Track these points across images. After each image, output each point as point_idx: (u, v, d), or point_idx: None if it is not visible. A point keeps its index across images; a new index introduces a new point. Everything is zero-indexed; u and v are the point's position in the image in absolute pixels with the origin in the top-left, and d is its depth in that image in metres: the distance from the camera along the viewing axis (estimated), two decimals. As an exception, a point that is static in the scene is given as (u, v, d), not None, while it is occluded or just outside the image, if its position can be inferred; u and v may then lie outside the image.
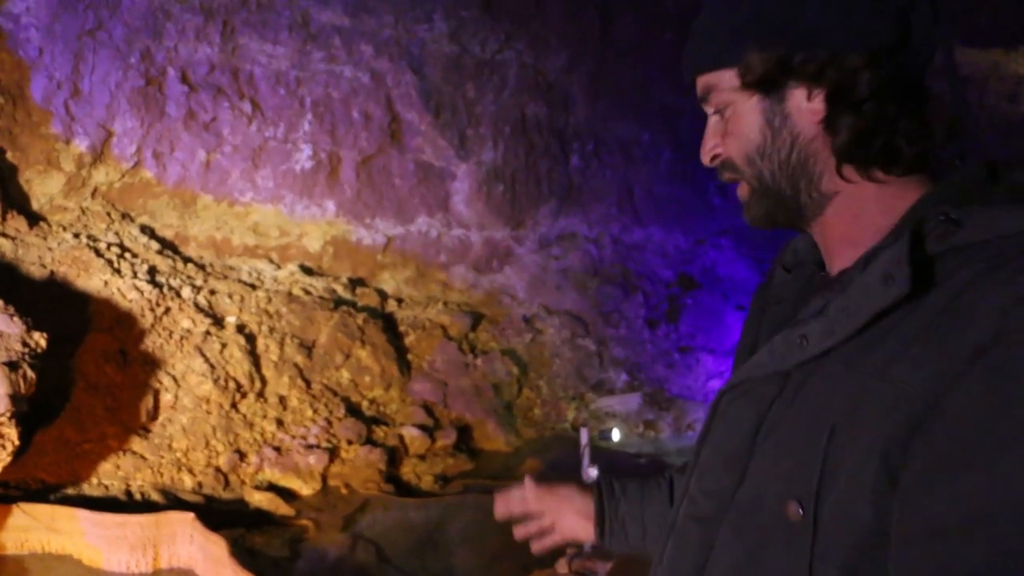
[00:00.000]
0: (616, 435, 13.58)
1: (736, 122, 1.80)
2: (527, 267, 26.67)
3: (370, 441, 19.82)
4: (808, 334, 1.65)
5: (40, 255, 18.18)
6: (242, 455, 17.84)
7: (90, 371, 17.15)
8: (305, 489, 17.88)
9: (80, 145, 19.75)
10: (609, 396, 25.77)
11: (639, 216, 27.64)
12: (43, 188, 19.78)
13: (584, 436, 11.87)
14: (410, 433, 21.14)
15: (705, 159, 1.91)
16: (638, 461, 21.01)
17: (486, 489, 18.87)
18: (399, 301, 24.69)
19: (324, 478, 18.38)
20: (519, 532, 2.91)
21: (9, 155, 19.22)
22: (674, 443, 23.47)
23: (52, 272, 17.80)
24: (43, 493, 15.49)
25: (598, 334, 26.48)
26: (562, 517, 2.88)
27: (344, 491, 18.18)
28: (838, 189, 1.74)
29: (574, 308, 26.57)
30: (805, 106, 1.73)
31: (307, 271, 23.66)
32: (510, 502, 2.87)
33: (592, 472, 11.43)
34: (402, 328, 24.01)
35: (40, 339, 13.45)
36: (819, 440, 1.55)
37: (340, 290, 23.47)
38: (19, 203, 19.25)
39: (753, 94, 1.80)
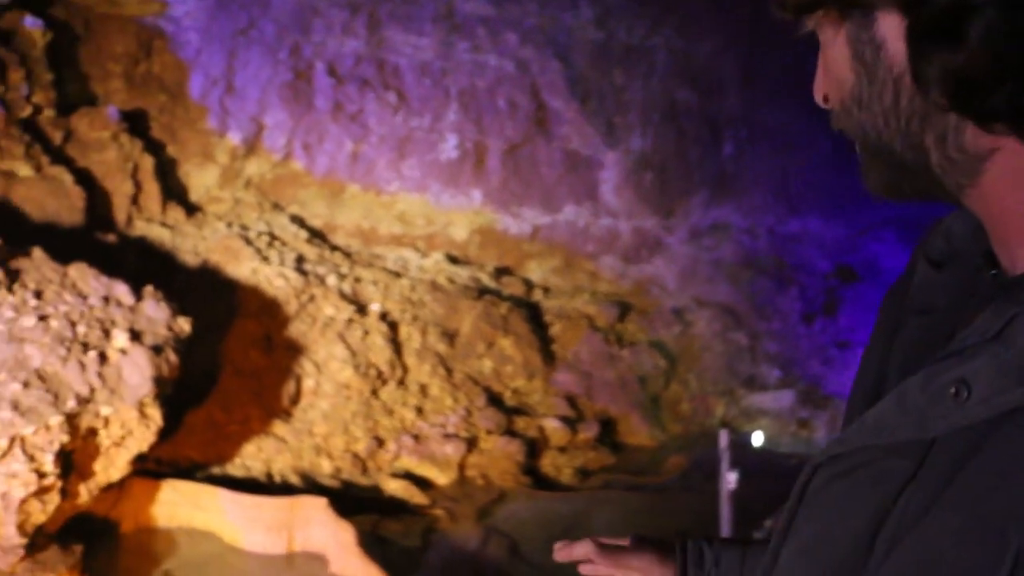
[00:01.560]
0: (758, 439, 12.70)
1: (826, 56, 1.22)
2: (677, 258, 25.91)
3: (510, 432, 19.68)
4: (971, 378, 1.01)
5: (195, 244, 18.92)
6: (380, 442, 18.06)
7: (237, 356, 17.70)
8: (441, 478, 17.93)
9: (233, 138, 20.48)
10: (761, 392, 24.59)
11: (795, 205, 26.35)
12: (200, 180, 20.60)
13: (723, 439, 11.24)
14: (551, 425, 20.88)
15: (818, 100, 1.28)
16: (789, 462, 19.99)
17: (629, 485, 18.44)
18: (545, 290, 24.46)
19: (461, 468, 18.37)
20: (586, 570, 2.30)
21: (169, 149, 20.11)
22: (829, 443, 22.18)
23: (205, 260, 18.46)
24: (191, 471, 16.08)
25: (751, 328, 25.45)
26: None
27: (480, 482, 18.12)
28: (996, 146, 1.06)
29: (726, 300, 25.60)
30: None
31: (452, 260, 23.76)
32: (573, 553, 2.28)
33: (731, 477, 10.77)
34: (547, 318, 23.77)
35: (185, 324, 13.90)
36: (996, 565, 0.94)
37: (485, 279, 23.45)
38: (178, 194, 20.11)
39: (835, 16, 1.13)
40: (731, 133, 25.72)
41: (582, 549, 2.21)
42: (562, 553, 2.26)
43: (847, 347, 24.86)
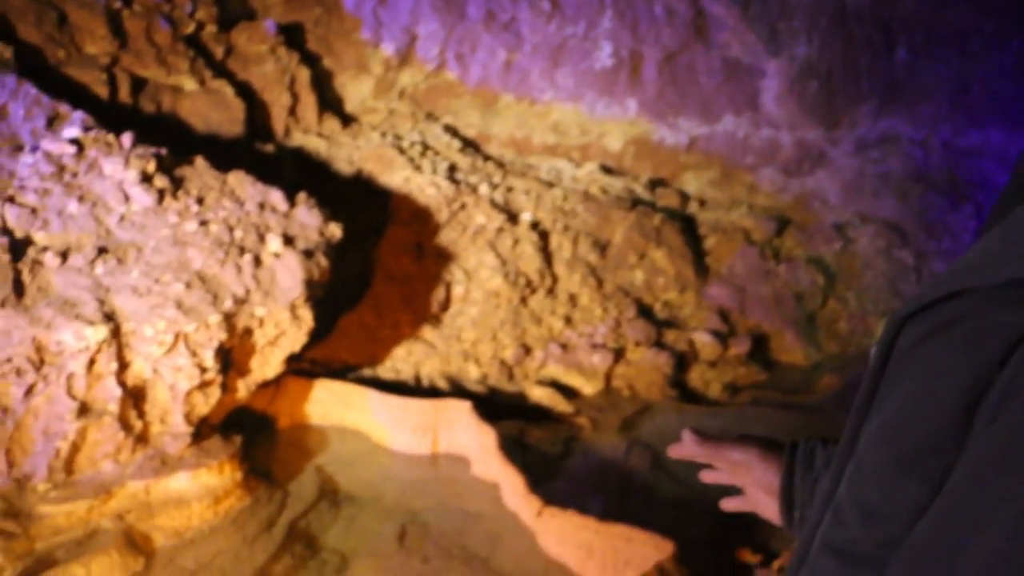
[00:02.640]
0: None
1: None
2: (841, 171, 24.62)
3: (658, 344, 19.49)
4: None
5: (349, 153, 19.35)
6: (528, 350, 18.26)
7: (389, 262, 18.15)
8: (587, 388, 18.01)
9: (387, 49, 20.62)
10: None
11: (976, 116, 24.34)
12: (355, 91, 20.96)
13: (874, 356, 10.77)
14: (702, 339, 20.52)
15: None
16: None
17: (780, 403, 18.00)
18: (700, 203, 23.83)
19: (607, 378, 18.38)
20: (707, 477, 2.19)
21: (325, 61, 20.49)
22: (998, 374, 20.93)
23: (359, 169, 18.88)
24: (343, 373, 16.74)
25: (917, 246, 24.02)
26: (747, 488, 2.04)
27: (627, 393, 18.09)
28: None
29: (892, 217, 24.22)
30: None
31: (606, 170, 23.42)
32: (682, 451, 2.15)
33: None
34: (701, 231, 23.18)
35: (336, 230, 14.28)
36: None
37: (639, 190, 23.03)
38: (333, 105, 20.55)
39: None
40: (905, 37, 23.93)
41: (687, 442, 2.05)
42: (673, 451, 2.12)
43: (1020, 272, 23.18)
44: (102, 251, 12.06)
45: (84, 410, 11.34)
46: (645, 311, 20.31)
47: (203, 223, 13.15)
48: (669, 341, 19.72)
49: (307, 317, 13.59)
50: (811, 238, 23.43)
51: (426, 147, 20.66)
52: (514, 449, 14.21)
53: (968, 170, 24.16)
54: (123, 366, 11.73)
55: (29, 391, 11.01)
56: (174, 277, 12.31)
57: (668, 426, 16.81)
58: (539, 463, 14.40)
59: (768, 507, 1.95)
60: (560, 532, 11.65)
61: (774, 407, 17.49)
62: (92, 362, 11.31)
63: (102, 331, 11.20)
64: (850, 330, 21.77)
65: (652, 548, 10.38)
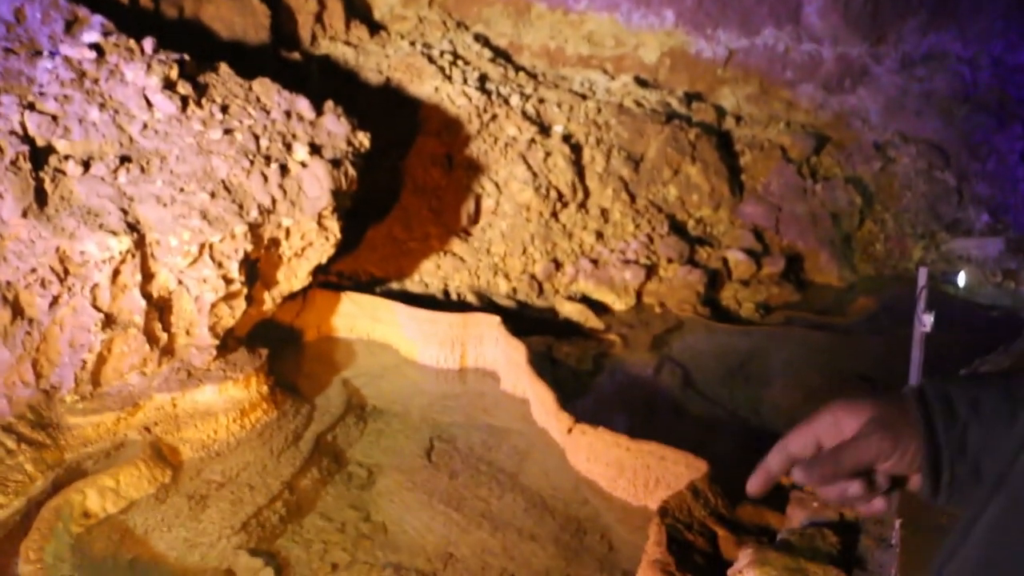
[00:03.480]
0: (963, 279, 11.63)
1: None
2: (884, 88, 23.79)
3: (691, 261, 19.11)
4: None
5: (378, 62, 18.82)
6: (558, 264, 17.94)
7: (418, 174, 17.78)
8: (618, 304, 17.72)
9: (416, -47, 20.04)
10: (965, 238, 22.44)
11: (1030, 32, 23.41)
12: (384, -3, 20.37)
13: (922, 277, 10.29)
14: (735, 257, 20.10)
15: None
16: (989, 314, 18.51)
17: (812, 324, 17.63)
18: (737, 119, 23.17)
19: (639, 295, 18.07)
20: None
21: (353, -35, 19.89)
22: (1037, 299, 20.80)
23: (388, 79, 18.37)
24: (371, 286, 16.52)
25: (960, 168, 23.29)
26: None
27: (658, 310, 17.78)
28: None
29: (934, 137, 23.44)
30: None
31: (641, 83, 22.75)
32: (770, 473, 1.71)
33: (927, 319, 9.91)
34: (737, 147, 22.57)
35: (364, 139, 13.90)
36: None
37: (674, 104, 22.39)
38: (361, 13, 19.94)
39: None
40: (959, -53, 22.88)
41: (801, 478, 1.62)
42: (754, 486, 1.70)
43: (1071, 195, 22.55)
44: (125, 160, 11.78)
45: (109, 321, 11.21)
46: (678, 228, 19.90)
47: (228, 131, 12.81)
48: (702, 259, 19.35)
49: (334, 228, 13.32)
50: (850, 157, 22.81)
51: (456, 56, 20.08)
52: (543, 365, 14.00)
53: (1020, 88, 23.23)
54: (148, 277, 11.55)
55: (54, 302, 10.87)
56: (199, 186, 12.04)
57: (699, 344, 16.55)
58: (568, 379, 14.21)
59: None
60: (590, 449, 11.48)
61: (807, 327, 17.15)
62: (116, 273, 11.14)
63: (126, 241, 11.00)
64: (886, 252, 21.31)
65: (684, 467, 10.19)
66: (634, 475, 10.88)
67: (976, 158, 22.88)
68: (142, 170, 11.82)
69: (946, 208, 22.21)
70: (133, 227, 11.25)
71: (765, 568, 7.19)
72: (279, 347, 14.02)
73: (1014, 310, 18.61)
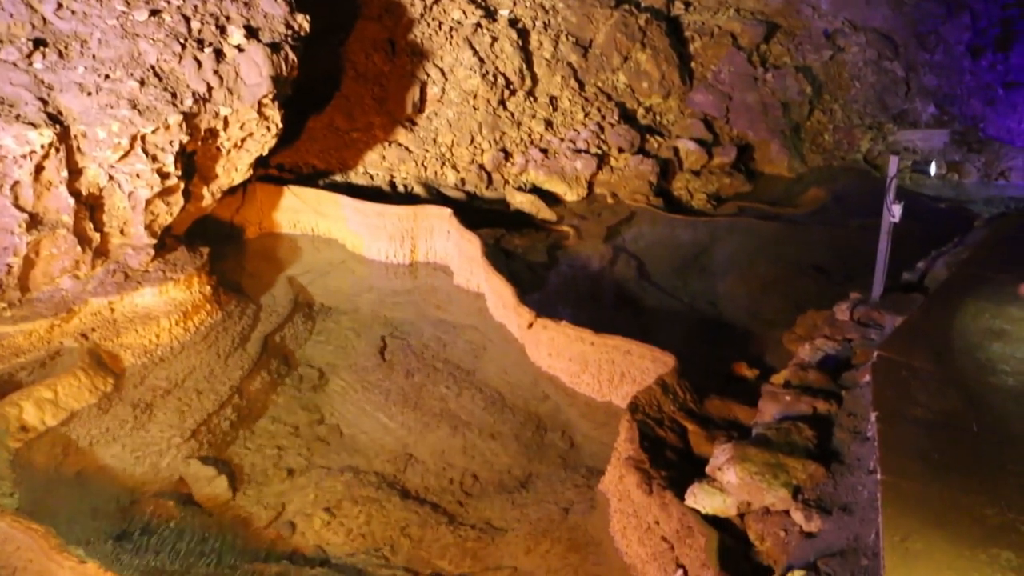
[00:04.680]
0: (934, 168, 11.51)
1: None
2: (834, -25, 23.24)
3: (642, 151, 18.64)
4: None
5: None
6: (507, 154, 17.33)
7: (359, 60, 16.87)
8: (569, 195, 17.25)
9: None
10: (911, 130, 22.07)
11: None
12: None
13: (893, 166, 9.98)
14: (686, 146, 19.69)
15: None
16: (937, 206, 18.49)
17: (763, 215, 17.42)
18: (686, 4, 22.39)
19: (590, 185, 17.60)
20: None
21: None
22: (981, 191, 20.02)
23: (324, -44, 17.25)
24: (314, 178, 15.82)
25: (908, 58, 22.92)
26: None
27: (610, 200, 17.37)
28: None
29: (884, 26, 23.01)
30: None
31: (588, -35, 21.86)
32: None
33: (896, 209, 9.66)
34: (687, 33, 21.87)
35: (303, 21, 13.01)
36: None
37: (622, -13, 21.58)
38: None
39: None
40: None
41: None
42: None
43: (1015, 88, 22.40)
44: (39, 43, 10.79)
45: (35, 222, 10.42)
46: (628, 116, 19.37)
47: (155, 12, 11.82)
48: (653, 148, 18.92)
49: (275, 117, 12.55)
50: (800, 46, 22.35)
51: (395, -67, 18.90)
52: (498, 257, 13.57)
53: (970, -27, 22.85)
54: (75, 173, 10.74)
55: (-30, 201, 10.07)
56: (126, 73, 11.14)
57: (652, 235, 16.27)
58: (523, 272, 13.82)
59: None
60: (552, 344, 11.17)
61: (759, 218, 16.95)
62: (39, 169, 10.30)
63: (48, 134, 10.15)
64: (835, 143, 21.16)
65: (651, 361, 9.93)
66: (598, 370, 10.62)
67: (924, 48, 22.64)
68: (60, 55, 10.86)
69: (894, 99, 22.01)
70: (54, 118, 10.38)
71: (745, 464, 6.99)
72: (219, 245, 13.35)
73: (959, 201, 18.62)
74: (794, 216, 17.39)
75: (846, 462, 7.04)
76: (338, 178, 16.14)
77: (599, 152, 17.87)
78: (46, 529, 7.18)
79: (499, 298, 12.60)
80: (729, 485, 7.06)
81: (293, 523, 8.90)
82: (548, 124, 18.08)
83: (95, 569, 6.76)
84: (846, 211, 17.37)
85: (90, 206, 11.08)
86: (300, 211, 15.05)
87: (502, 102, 17.78)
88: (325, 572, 8.10)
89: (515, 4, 19.00)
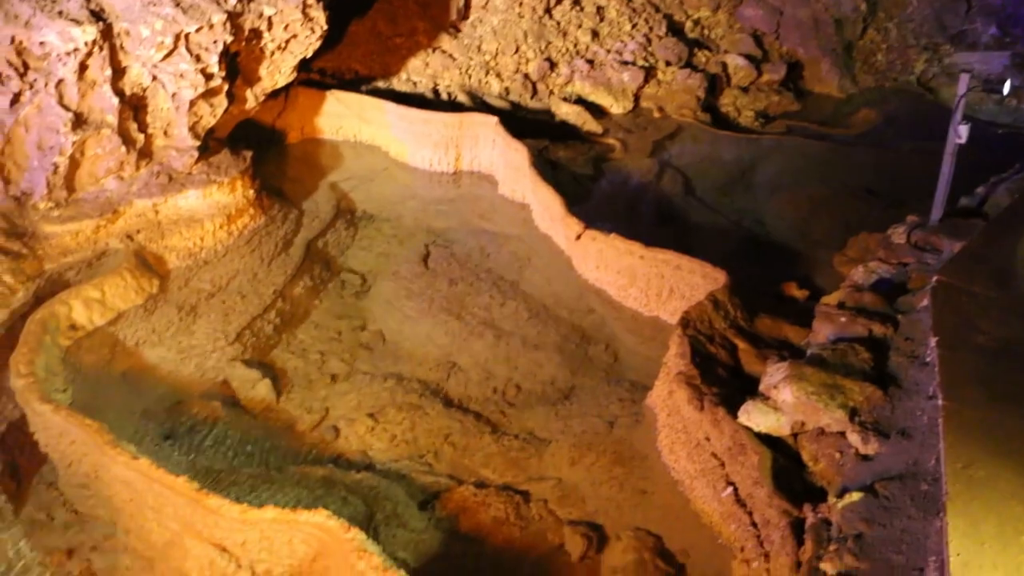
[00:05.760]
0: (1008, 87, 11.13)
1: None
2: None
3: (690, 65, 18.11)
4: None
5: None
6: (552, 64, 16.92)
7: (403, -38, 16.48)
8: (615, 107, 16.85)
9: None
10: (969, 52, 21.33)
11: None
12: None
13: (963, 84, 9.56)
14: (735, 62, 19.09)
15: None
16: (994, 131, 17.76)
17: (812, 134, 16.94)
18: (738, -88, 21.63)
19: (637, 98, 17.18)
20: None
21: None
22: (1041, 117, 20.01)
23: None
24: (356, 84, 15.56)
25: (971, -24, 22.03)
26: None
27: (656, 115, 16.96)
28: None
29: (946, -59, 22.11)
30: None
31: None
32: None
33: (963, 130, 9.30)
34: (736, -59, 21.18)
35: (348, -81, 12.61)
36: None
37: None
38: None
39: None
40: None
41: None
42: None
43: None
44: (83, -64, 10.53)
45: (80, 122, 10.33)
46: (676, 29, 18.79)
47: (198, -94, 11.47)
48: (700, 62, 18.41)
49: (320, 18, 12.28)
50: (855, -42, 21.44)
51: None
52: (544, 168, 13.33)
53: None
54: (118, 72, 10.59)
55: (16, 100, 9.96)
56: (168, -30, 10.87)
57: (698, 151, 15.97)
58: (569, 183, 13.59)
59: None
60: (600, 256, 11.02)
61: (810, 138, 16.51)
62: (83, 67, 10.17)
63: (91, 31, 9.98)
64: (888, 63, 20.34)
65: (701, 277, 9.76)
66: (646, 284, 10.47)
67: (989, -37, 21.64)
68: (104, -50, 10.61)
69: (952, 19, 21.05)
70: (97, 15, 10.19)
71: (802, 384, 6.88)
72: (262, 150, 13.18)
73: (1016, 128, 17.94)
74: (844, 137, 16.93)
75: (904, 386, 6.92)
76: (380, 84, 15.85)
77: (646, 65, 17.42)
78: (99, 425, 7.24)
79: (545, 209, 12.41)
80: (784, 404, 6.97)
81: (337, 428, 8.94)
82: (594, 35, 17.59)
83: (147, 465, 6.81)
84: (898, 134, 16.90)
85: (134, 106, 10.96)
86: (343, 117, 14.82)
87: (548, 10, 17.29)
88: (369, 476, 8.15)
89: (564, -93, 18.33)
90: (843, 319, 8.02)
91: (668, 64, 17.70)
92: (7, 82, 9.88)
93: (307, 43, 12.45)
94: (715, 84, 18.11)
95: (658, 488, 7.75)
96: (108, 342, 9.41)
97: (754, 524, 6.59)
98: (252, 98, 12.61)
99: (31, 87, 10.01)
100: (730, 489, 6.92)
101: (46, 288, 9.54)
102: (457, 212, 13.44)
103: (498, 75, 16.50)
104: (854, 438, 6.49)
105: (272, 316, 10.45)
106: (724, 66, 18.57)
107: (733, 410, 7.27)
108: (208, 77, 11.25)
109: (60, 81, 10.09)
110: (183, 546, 6.69)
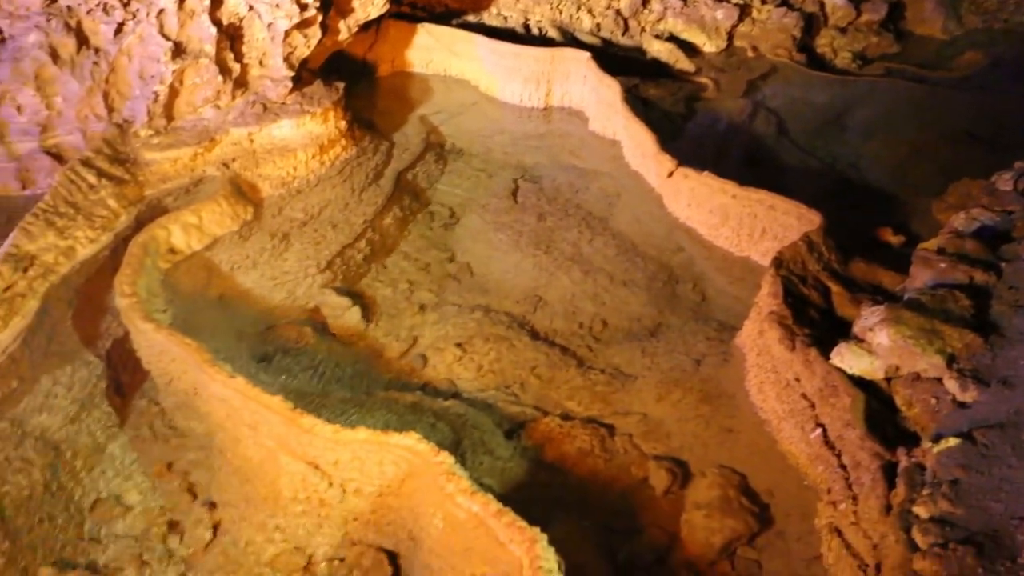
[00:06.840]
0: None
1: None
2: None
3: (786, 3, 17.52)
4: None
5: None
6: (645, 0, 16.58)
7: None
8: (708, 46, 16.46)
9: None
10: None
11: None
12: None
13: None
14: (832, 1, 18.43)
15: None
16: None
17: (914, 77, 16.30)
18: None
19: (730, 37, 16.74)
20: None
21: None
22: None
23: None
24: (446, 17, 15.47)
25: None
26: None
27: (751, 54, 16.53)
28: None
29: None
30: None
31: None
32: None
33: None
34: None
35: None
36: None
37: None
38: None
39: None
40: None
41: None
42: None
43: None
44: None
45: (179, 51, 10.53)
46: (772, -36, 18.16)
47: None
48: (797, 1, 17.79)
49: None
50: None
51: None
52: (636, 105, 13.14)
53: None
54: (216, 2, 10.79)
55: (119, 30, 10.20)
56: (266, -102, 10.92)
57: (793, 92, 15.50)
58: (660, 122, 13.38)
59: None
60: (692, 195, 10.87)
61: (909, 81, 15.87)
62: (183, -3, 10.34)
63: (192, -41, 10.10)
64: (999, 2, 19.24)
65: (796, 218, 9.57)
66: (738, 224, 10.31)
67: None
68: None
69: (1074, -43, 19.95)
70: (197, -56, 10.32)
71: (899, 327, 6.74)
72: (353, 82, 13.24)
73: None
74: (947, 79, 16.24)
75: (1006, 335, 6.72)
76: (471, 18, 15.75)
77: (740, 2, 16.94)
78: (198, 344, 7.47)
79: (637, 146, 12.26)
80: (879, 347, 6.84)
81: (425, 356, 9.07)
82: (688, -31, 17.16)
83: (243, 384, 7.01)
84: (1006, 77, 16.08)
85: (231, 36, 11.11)
86: (433, 50, 14.79)
87: (642, -56, 16.91)
88: (456, 404, 8.27)
89: None
90: (943, 265, 7.80)
91: (763, 2, 17.19)
92: (111, 12, 10.12)
93: (401, -26, 12.44)
94: (811, 24, 17.52)
95: (744, 427, 7.70)
96: (204, 266, 9.66)
97: (843, 466, 6.52)
98: (345, 30, 12.66)
99: (134, 17, 10.24)
100: (819, 431, 6.85)
101: (146, 213, 9.82)
102: (547, 148, 13.36)
103: (590, 10, 16.24)
104: (951, 384, 6.35)
105: (362, 245, 10.58)
106: (821, 5, 17.94)
107: (825, 352, 7.17)
108: (303, 7, 11.33)
109: (161, 11, 10.30)
110: (277, 463, 6.88)
